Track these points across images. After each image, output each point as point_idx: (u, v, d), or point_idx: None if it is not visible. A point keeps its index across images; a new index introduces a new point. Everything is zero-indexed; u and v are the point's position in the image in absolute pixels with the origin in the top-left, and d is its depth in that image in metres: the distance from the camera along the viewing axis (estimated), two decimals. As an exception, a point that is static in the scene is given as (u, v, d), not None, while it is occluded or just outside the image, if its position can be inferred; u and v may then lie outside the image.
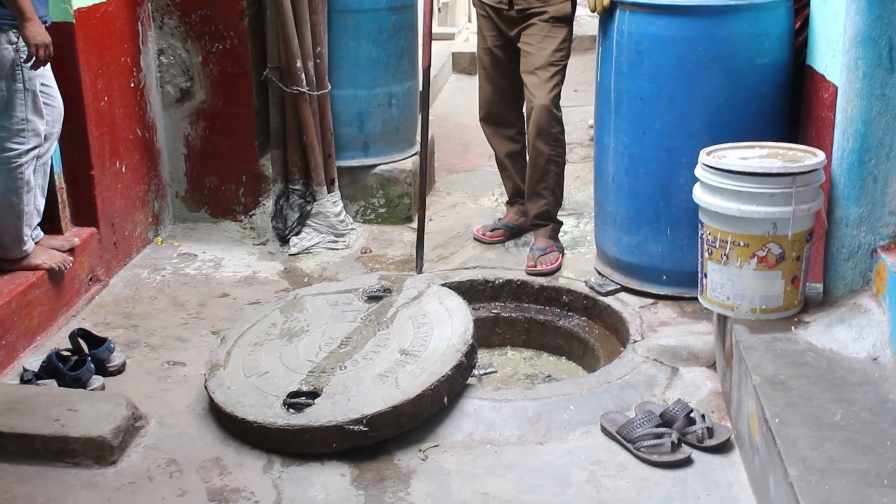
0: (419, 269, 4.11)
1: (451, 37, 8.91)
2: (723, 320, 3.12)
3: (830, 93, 3.18)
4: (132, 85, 4.31)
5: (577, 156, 5.68)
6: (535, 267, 4.04)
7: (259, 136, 4.64)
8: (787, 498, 2.25)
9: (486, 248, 4.35)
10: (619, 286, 3.83)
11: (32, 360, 3.34)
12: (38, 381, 3.20)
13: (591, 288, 3.87)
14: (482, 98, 4.34)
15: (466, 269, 4.14)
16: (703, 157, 3.03)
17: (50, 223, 3.82)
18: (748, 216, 2.89)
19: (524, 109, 4.23)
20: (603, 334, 3.77)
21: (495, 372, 3.62)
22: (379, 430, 2.84)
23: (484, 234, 4.43)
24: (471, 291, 3.96)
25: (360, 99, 4.65)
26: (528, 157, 4.20)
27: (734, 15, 3.40)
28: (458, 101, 7.29)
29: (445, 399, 2.98)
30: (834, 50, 3.15)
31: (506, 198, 4.58)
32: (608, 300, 3.78)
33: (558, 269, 4.05)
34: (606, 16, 3.63)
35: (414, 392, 2.90)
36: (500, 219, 4.51)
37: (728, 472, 2.74)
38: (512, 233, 4.41)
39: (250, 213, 4.70)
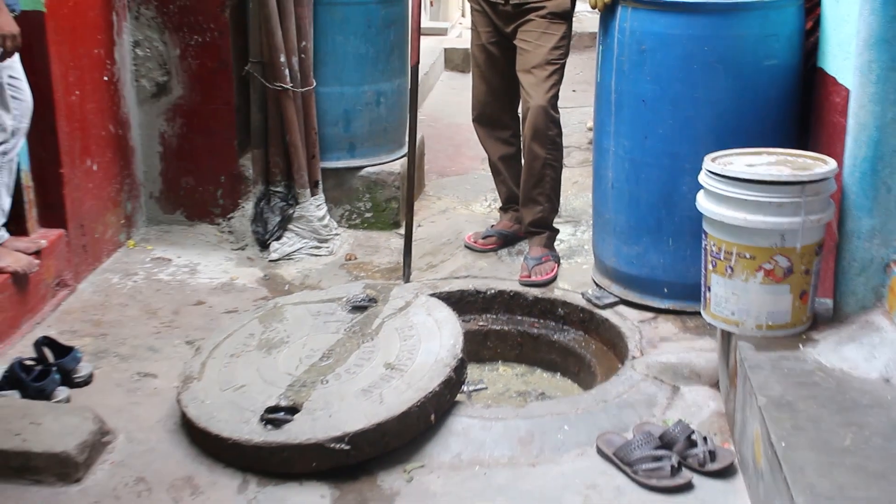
0: (406, 279, 4.08)
1: (443, 32, 8.91)
2: (727, 337, 3.11)
3: (842, 97, 3.18)
4: (105, 78, 4.28)
5: (574, 160, 5.67)
6: (530, 277, 4.02)
7: (239, 135, 4.62)
8: (793, 527, 2.23)
9: (477, 257, 4.33)
10: (617, 299, 3.81)
11: (-6, 369, 3.31)
12: (0, 393, 3.16)
13: (589, 300, 3.85)
14: (475, 98, 4.33)
15: (457, 278, 4.12)
16: (708, 163, 3.02)
17: (15, 224, 3.77)
18: (755, 226, 2.88)
19: (520, 110, 4.21)
20: (600, 350, 3.76)
21: (486, 388, 3.60)
22: (362, 449, 2.82)
23: (476, 242, 4.41)
24: (461, 302, 3.94)
25: (346, 97, 4.64)
26: (523, 161, 4.18)
27: (742, 14, 3.40)
28: (449, 100, 7.28)
29: (433, 416, 2.96)
30: (846, 52, 3.14)
31: (499, 203, 4.57)
32: (606, 313, 3.77)
33: (554, 279, 4.03)
34: (608, 12, 3.62)
35: (399, 409, 2.87)
36: (492, 226, 4.49)
37: (731, 499, 2.72)
38: (505, 241, 4.39)
39: (228, 216, 4.67)
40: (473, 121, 4.38)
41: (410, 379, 3.01)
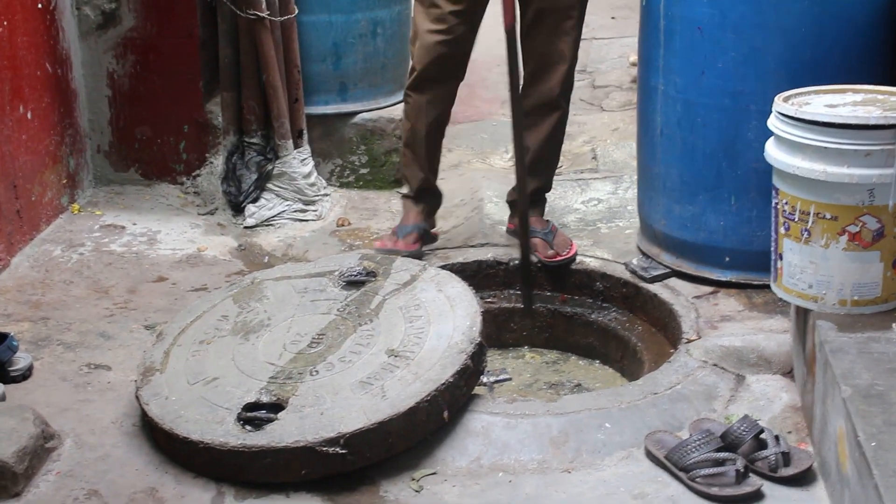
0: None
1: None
2: (803, 315, 3.11)
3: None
4: (40, 6, 4.28)
5: (614, 102, 5.64)
6: (560, 255, 3.96)
7: (205, 75, 4.62)
8: (885, 543, 2.25)
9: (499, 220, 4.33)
10: (668, 270, 3.83)
11: (-87, 361, 3.34)
12: (-79, 389, 3.19)
13: (633, 272, 3.87)
14: (423, 58, 3.85)
15: (472, 247, 4.14)
16: (779, 104, 3.02)
17: (-65, 185, 3.81)
18: (837, 180, 2.88)
19: (543, 62, 3.93)
20: (647, 331, 3.79)
21: (510, 379, 3.62)
22: (360, 453, 2.84)
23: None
24: (478, 276, 3.97)
25: (336, 26, 4.63)
26: (544, 124, 3.98)
27: (822, -83, 3.39)
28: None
29: (446, 413, 2.98)
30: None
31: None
32: (655, 288, 3.79)
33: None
34: (655, -80, 3.61)
35: (405, 404, 2.89)
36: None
37: (809, 510, 2.75)
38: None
39: (194, 174, 4.69)
40: (410, 89, 3.95)
41: (418, 368, 3.03)
